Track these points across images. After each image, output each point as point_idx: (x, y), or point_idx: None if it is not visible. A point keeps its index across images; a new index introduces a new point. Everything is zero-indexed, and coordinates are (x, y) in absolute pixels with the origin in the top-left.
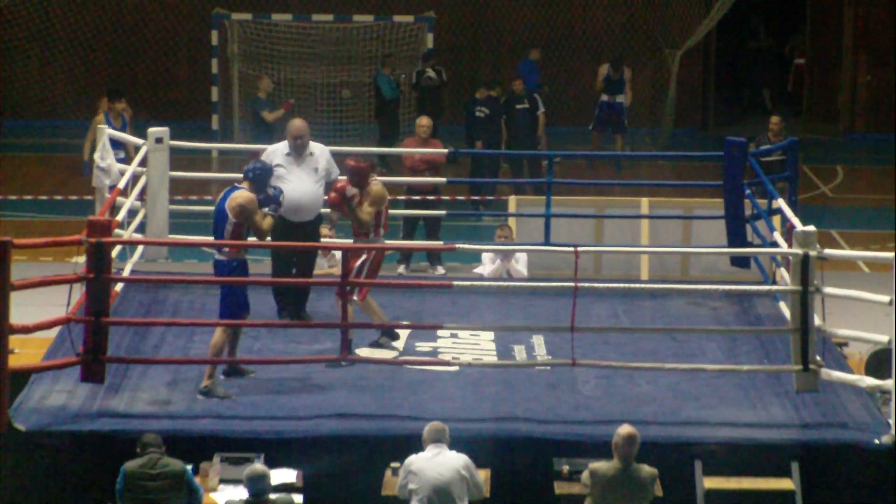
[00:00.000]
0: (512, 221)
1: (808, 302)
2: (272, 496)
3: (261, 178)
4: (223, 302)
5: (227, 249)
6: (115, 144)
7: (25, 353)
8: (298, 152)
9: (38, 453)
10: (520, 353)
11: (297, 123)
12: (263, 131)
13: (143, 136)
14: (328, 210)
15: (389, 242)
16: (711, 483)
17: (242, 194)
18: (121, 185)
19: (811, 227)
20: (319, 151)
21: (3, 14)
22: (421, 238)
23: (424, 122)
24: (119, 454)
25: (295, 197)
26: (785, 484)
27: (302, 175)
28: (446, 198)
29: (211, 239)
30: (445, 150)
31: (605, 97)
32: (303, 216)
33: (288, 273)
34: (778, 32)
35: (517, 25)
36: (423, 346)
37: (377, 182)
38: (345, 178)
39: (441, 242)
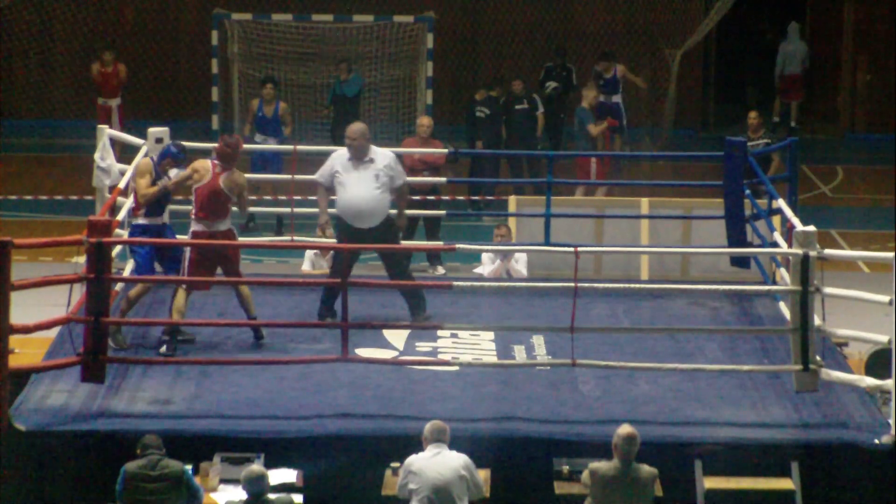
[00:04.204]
0: (512, 221)
1: (808, 302)
2: (271, 496)
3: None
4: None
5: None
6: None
7: (25, 353)
8: (356, 156)
9: (38, 453)
10: (520, 353)
11: (353, 126)
12: (586, 143)
13: (143, 136)
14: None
15: None
16: (711, 483)
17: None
18: (121, 185)
19: (811, 227)
20: (380, 157)
21: (3, 14)
22: (421, 238)
23: (425, 121)
24: (119, 454)
25: (353, 203)
26: (785, 484)
27: (360, 180)
28: (446, 198)
29: (210, 239)
30: (445, 150)
31: (601, 98)
32: (365, 222)
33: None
34: (778, 32)
35: (517, 25)
36: (423, 346)
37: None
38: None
39: (441, 242)
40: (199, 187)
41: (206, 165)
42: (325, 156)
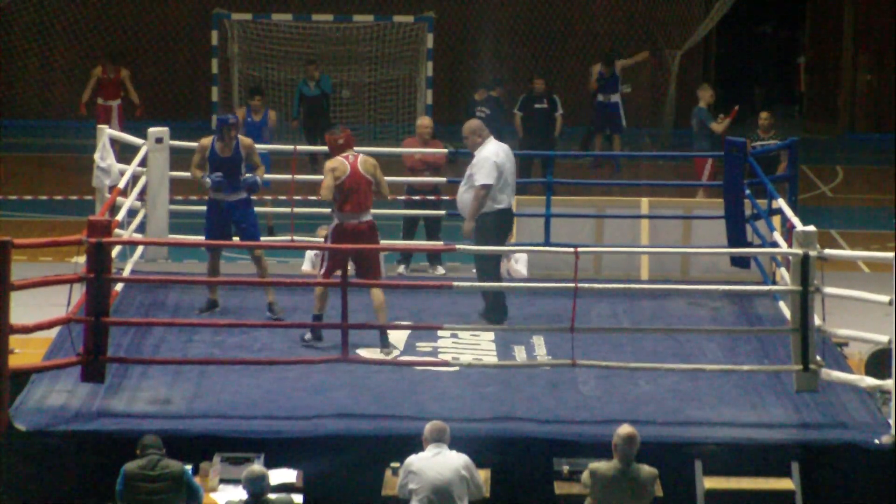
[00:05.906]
0: None
1: (808, 302)
2: (271, 496)
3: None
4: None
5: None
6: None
7: (25, 353)
8: (470, 150)
9: (38, 453)
10: (520, 353)
11: (466, 123)
12: (707, 143)
13: (143, 136)
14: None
15: (389, 242)
16: (711, 483)
17: None
18: (121, 185)
19: (811, 227)
20: (476, 156)
21: (3, 14)
22: (421, 238)
23: (426, 122)
24: (119, 454)
25: None
26: (785, 484)
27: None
28: (446, 197)
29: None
30: (445, 150)
31: (600, 97)
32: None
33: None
34: (777, 32)
35: (517, 26)
36: (423, 346)
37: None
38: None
39: (441, 242)
40: (343, 181)
41: (339, 161)
42: (326, 156)
